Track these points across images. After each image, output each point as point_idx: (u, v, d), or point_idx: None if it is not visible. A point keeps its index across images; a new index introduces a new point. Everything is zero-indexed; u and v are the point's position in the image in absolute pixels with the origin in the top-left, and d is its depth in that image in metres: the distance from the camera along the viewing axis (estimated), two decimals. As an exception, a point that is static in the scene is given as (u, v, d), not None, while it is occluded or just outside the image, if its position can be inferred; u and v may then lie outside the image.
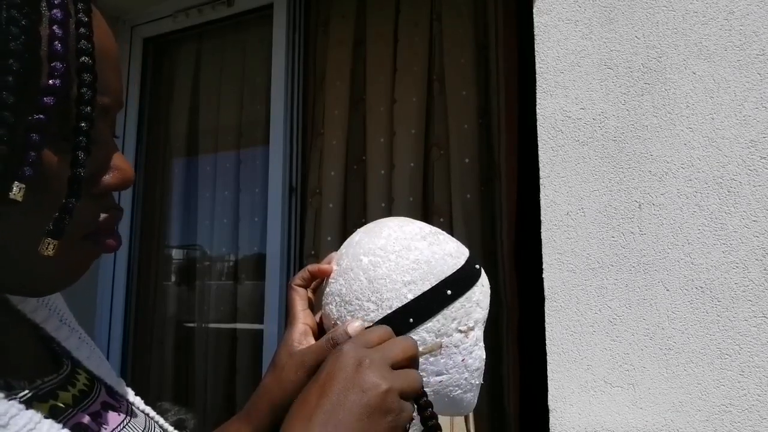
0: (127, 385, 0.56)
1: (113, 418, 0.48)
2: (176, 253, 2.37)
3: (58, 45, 0.37)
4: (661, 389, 1.02)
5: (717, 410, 0.98)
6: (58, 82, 0.37)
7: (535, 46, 1.22)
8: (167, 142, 2.39)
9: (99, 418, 0.46)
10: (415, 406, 0.54)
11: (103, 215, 0.44)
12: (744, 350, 0.98)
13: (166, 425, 0.57)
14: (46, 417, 0.39)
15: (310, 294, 0.67)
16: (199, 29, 2.30)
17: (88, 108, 0.38)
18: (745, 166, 1.01)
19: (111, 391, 0.52)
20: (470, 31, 1.76)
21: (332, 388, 0.47)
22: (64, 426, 0.40)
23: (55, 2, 0.37)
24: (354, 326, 0.57)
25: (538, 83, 1.20)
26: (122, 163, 0.45)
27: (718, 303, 1.00)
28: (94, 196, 0.43)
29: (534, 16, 1.23)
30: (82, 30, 0.39)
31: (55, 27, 0.37)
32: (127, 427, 0.49)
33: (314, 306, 0.67)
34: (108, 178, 0.44)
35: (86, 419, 0.44)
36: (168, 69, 2.43)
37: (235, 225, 2.17)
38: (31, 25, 0.36)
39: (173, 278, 2.37)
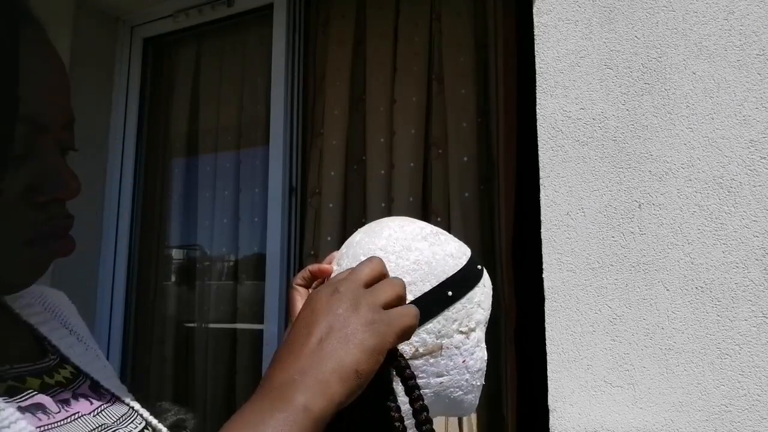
0: (128, 385, 0.60)
1: (83, 405, 0.51)
2: (176, 253, 2.37)
3: None
4: (661, 389, 1.02)
5: (717, 410, 0.98)
6: None
7: (535, 46, 1.22)
8: (167, 142, 2.39)
9: (65, 404, 0.49)
10: (411, 409, 0.54)
11: (46, 222, 0.48)
12: (744, 350, 0.98)
13: (155, 422, 0.58)
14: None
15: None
16: (199, 29, 2.30)
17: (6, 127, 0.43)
18: (745, 166, 1.01)
19: (96, 386, 0.56)
20: (470, 31, 1.76)
21: (317, 329, 0.45)
22: (22, 404, 0.45)
23: None
24: None
25: (538, 83, 1.20)
26: (65, 175, 0.49)
27: (718, 303, 1.00)
28: (36, 205, 0.47)
29: (534, 16, 1.23)
30: None
31: None
32: (102, 413, 0.52)
33: None
34: (49, 188, 0.48)
35: (46, 401, 0.48)
36: (168, 69, 2.43)
37: (235, 225, 2.17)
38: None
39: (173, 278, 2.37)
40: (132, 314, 2.29)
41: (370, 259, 0.51)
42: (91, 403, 0.52)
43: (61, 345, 0.56)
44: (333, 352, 0.43)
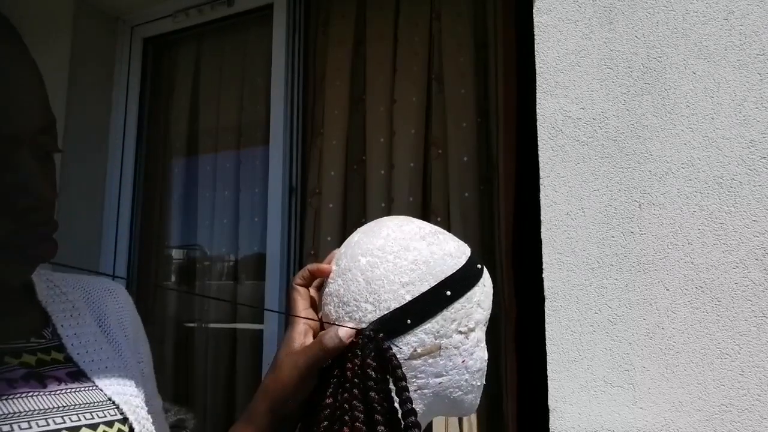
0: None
1: (32, 385, 0.54)
2: (176, 253, 2.37)
3: None
4: (661, 389, 1.02)
5: (717, 410, 0.98)
6: None
7: (535, 46, 1.22)
8: (167, 142, 2.38)
9: (11, 383, 0.53)
10: (400, 410, 0.53)
11: (24, 229, 0.50)
12: (744, 350, 0.98)
13: (138, 421, 0.59)
14: None
15: (313, 293, 0.67)
16: (199, 29, 2.30)
17: None
18: (745, 166, 1.01)
19: (78, 374, 0.58)
20: (470, 31, 1.76)
21: None
22: None
23: None
24: (344, 330, 0.57)
25: (538, 83, 1.20)
26: (38, 184, 0.50)
27: (718, 303, 1.00)
28: (11, 213, 0.49)
29: (534, 16, 1.22)
30: None
31: None
32: (63, 395, 0.55)
33: (318, 305, 0.67)
34: (20, 197, 0.49)
35: None
36: (168, 69, 2.43)
37: (235, 225, 2.17)
38: None
39: (173, 278, 2.36)
40: (132, 314, 2.28)
41: None
42: (43, 384, 0.55)
43: (63, 333, 0.60)
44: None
